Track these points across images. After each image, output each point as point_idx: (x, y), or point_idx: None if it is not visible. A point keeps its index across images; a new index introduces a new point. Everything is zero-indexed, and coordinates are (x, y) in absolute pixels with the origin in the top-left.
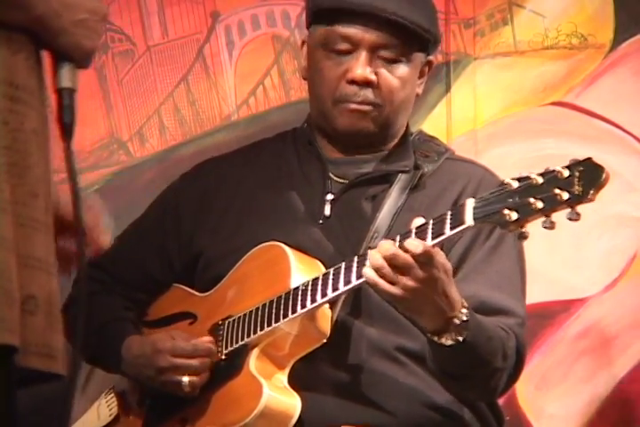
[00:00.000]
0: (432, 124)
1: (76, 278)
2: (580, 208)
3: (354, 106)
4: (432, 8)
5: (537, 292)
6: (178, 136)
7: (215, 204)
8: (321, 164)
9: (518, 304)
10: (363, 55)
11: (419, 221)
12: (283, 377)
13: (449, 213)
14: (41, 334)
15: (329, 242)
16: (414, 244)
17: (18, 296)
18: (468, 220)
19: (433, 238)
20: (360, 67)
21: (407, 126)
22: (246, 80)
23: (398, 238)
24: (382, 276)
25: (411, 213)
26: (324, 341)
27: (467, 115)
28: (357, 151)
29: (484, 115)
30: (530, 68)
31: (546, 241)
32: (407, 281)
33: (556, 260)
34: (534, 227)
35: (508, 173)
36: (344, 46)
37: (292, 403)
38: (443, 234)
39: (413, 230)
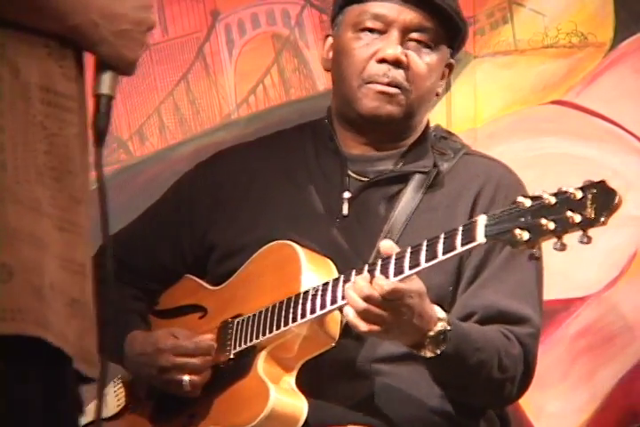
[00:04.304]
0: (432, 122)
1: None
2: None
3: (381, 87)
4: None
5: None
6: (178, 135)
7: (230, 196)
8: (340, 160)
9: (535, 315)
10: (395, 35)
11: (387, 243)
12: (290, 379)
13: (460, 228)
14: (78, 336)
15: (345, 241)
16: (379, 284)
17: (48, 294)
18: (480, 237)
19: (444, 253)
20: (392, 46)
21: (427, 124)
22: (246, 79)
23: (380, 265)
24: (363, 318)
25: (430, 213)
26: (333, 344)
27: (467, 113)
28: (378, 146)
29: (484, 113)
30: (530, 67)
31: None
32: (385, 317)
33: (557, 259)
34: None
35: None
36: (376, 25)
37: (299, 405)
38: (454, 249)
39: (424, 244)
